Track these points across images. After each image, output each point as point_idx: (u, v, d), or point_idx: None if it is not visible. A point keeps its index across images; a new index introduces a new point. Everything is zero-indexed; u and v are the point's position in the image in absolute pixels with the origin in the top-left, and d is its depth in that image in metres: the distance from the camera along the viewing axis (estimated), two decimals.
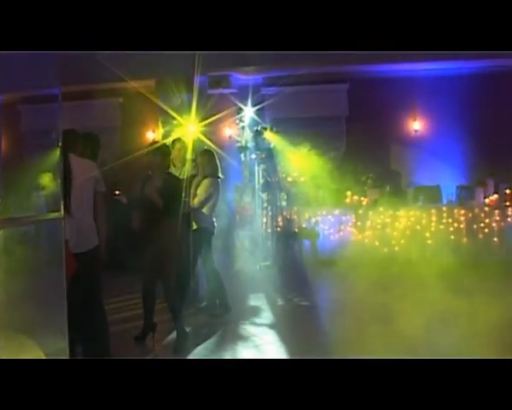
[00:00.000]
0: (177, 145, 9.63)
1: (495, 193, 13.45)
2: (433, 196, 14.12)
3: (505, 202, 13.18)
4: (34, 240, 7.79)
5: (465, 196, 13.81)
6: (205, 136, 11.71)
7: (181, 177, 9.15)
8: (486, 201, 13.34)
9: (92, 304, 6.87)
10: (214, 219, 9.50)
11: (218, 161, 9.51)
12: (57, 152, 5.51)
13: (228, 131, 15.21)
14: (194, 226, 9.28)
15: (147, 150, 8.23)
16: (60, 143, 5.39)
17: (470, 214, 13.20)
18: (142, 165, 8.30)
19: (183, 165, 9.58)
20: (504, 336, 7.58)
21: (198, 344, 8.11)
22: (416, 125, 15.43)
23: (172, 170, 9.05)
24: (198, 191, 9.26)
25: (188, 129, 10.96)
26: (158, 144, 8.43)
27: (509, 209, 13.02)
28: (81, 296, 6.41)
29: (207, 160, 9.44)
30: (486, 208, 13.20)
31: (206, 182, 9.30)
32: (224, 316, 9.45)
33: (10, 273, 6.67)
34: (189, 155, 10.01)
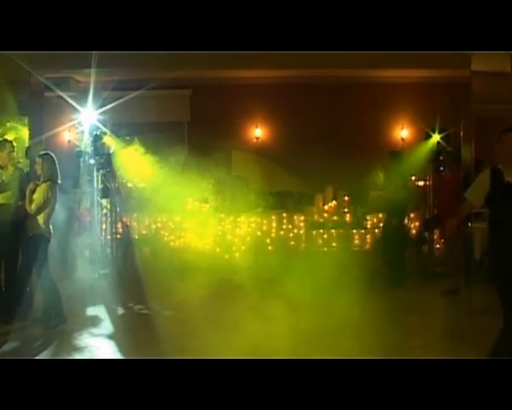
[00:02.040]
0: (7, 147, 9.26)
1: (334, 200, 13.78)
2: (274, 202, 14.29)
3: (344, 208, 13.52)
4: None
5: (305, 202, 14.07)
6: (42, 138, 11.33)
7: (6, 181, 8.84)
8: (326, 207, 13.64)
9: None
10: (51, 226, 9.15)
11: (57, 165, 9.15)
12: None
13: (67, 135, 14.81)
14: (29, 233, 8.92)
15: None
16: None
17: (310, 220, 13.44)
18: None
19: (14, 168, 9.24)
20: (339, 335, 7.90)
21: (33, 356, 7.77)
22: (258, 132, 15.62)
23: None
24: (35, 196, 8.89)
25: (22, 131, 10.55)
26: None
27: (348, 215, 13.36)
28: None
29: (45, 164, 9.06)
30: (326, 215, 13.48)
31: (43, 187, 8.95)
32: (60, 327, 9.10)
33: None
34: (19, 158, 9.63)
